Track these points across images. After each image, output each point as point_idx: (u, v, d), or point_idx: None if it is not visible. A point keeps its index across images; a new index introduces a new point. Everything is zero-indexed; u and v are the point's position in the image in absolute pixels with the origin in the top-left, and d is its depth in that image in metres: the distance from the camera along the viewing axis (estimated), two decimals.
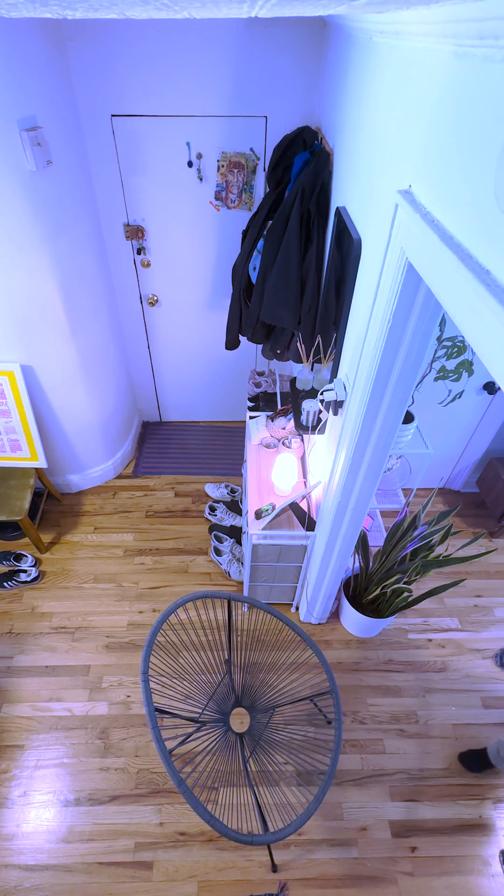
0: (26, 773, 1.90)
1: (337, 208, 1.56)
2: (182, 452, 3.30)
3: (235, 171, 2.27)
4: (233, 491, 2.99)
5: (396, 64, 1.02)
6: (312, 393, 1.90)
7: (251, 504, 2.09)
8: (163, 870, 1.69)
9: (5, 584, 2.45)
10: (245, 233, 2.24)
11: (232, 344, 2.53)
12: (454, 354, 1.95)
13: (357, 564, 2.17)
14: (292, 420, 2.29)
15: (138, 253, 2.57)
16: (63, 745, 1.96)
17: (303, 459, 2.29)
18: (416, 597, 1.97)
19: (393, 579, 1.90)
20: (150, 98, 2.06)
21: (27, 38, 1.68)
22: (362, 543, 2.09)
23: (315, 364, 1.88)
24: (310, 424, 1.86)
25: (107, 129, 2.14)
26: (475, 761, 1.89)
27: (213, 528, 2.75)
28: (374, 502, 2.07)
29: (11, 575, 2.46)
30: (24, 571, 2.47)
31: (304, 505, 2.06)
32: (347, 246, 1.39)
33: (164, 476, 3.12)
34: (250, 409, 2.55)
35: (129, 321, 2.88)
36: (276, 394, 2.54)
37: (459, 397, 2.35)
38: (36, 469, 2.58)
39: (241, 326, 2.40)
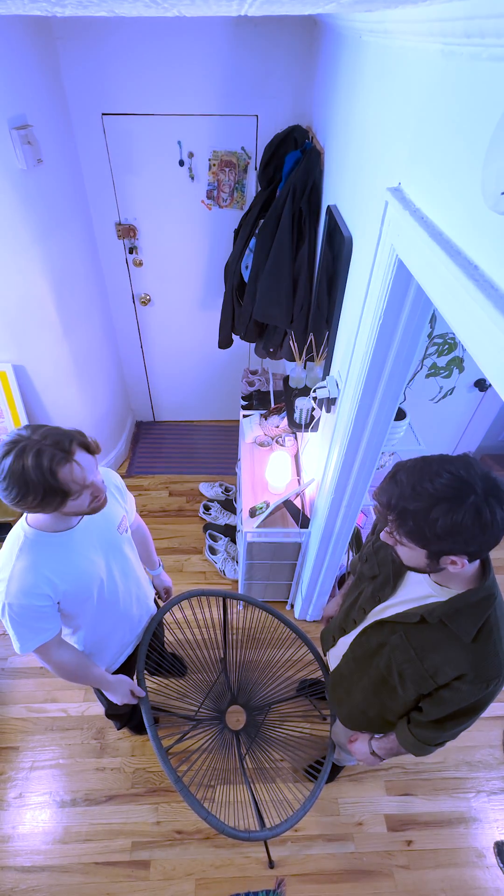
0: (22, 775, 1.89)
1: (328, 206, 1.56)
2: (176, 452, 3.29)
3: (227, 169, 2.27)
4: (227, 490, 2.99)
5: (385, 63, 1.02)
6: (305, 391, 1.91)
7: (245, 502, 2.09)
8: (160, 868, 1.70)
9: None
10: (237, 231, 2.24)
11: (225, 343, 2.53)
12: (445, 351, 1.96)
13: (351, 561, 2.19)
14: (286, 418, 2.29)
15: (130, 252, 2.56)
16: (59, 746, 1.96)
17: (296, 457, 2.30)
18: None
19: None
20: (140, 96, 2.05)
21: (15, 36, 1.67)
22: (356, 540, 2.10)
23: (308, 362, 1.89)
24: (303, 422, 1.87)
25: (98, 127, 2.13)
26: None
27: (208, 526, 2.75)
28: (368, 499, 2.08)
29: None
30: None
31: (297, 502, 2.07)
32: (339, 244, 1.40)
33: (158, 475, 3.11)
34: (244, 407, 2.55)
35: (121, 320, 2.87)
36: (269, 392, 2.54)
37: (451, 394, 2.37)
38: None
39: (233, 325, 2.40)
